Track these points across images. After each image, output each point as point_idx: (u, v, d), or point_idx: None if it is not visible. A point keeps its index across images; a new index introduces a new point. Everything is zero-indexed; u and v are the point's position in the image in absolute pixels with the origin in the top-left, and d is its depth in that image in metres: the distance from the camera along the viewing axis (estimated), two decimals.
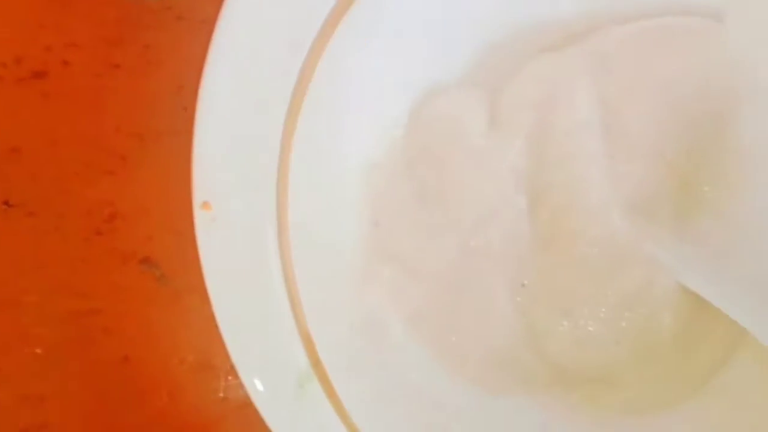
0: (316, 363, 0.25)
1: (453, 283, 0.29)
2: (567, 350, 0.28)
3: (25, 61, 0.31)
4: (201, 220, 0.25)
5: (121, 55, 0.32)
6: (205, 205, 0.25)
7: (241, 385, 0.25)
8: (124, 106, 0.32)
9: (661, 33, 0.29)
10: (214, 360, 0.28)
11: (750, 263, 0.28)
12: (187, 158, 0.25)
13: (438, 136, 0.30)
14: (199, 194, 0.25)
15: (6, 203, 0.31)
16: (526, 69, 0.30)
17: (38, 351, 0.31)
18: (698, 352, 0.29)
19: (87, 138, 0.32)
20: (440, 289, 0.29)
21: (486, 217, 0.29)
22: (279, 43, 0.26)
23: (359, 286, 0.29)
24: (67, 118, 0.32)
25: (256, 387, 0.25)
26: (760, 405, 0.28)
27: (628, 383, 0.29)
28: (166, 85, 0.32)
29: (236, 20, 0.25)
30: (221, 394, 0.31)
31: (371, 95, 0.29)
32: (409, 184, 0.30)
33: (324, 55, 0.27)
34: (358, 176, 0.29)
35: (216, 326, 0.25)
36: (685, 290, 0.27)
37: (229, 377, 0.30)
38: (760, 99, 0.28)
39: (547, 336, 0.29)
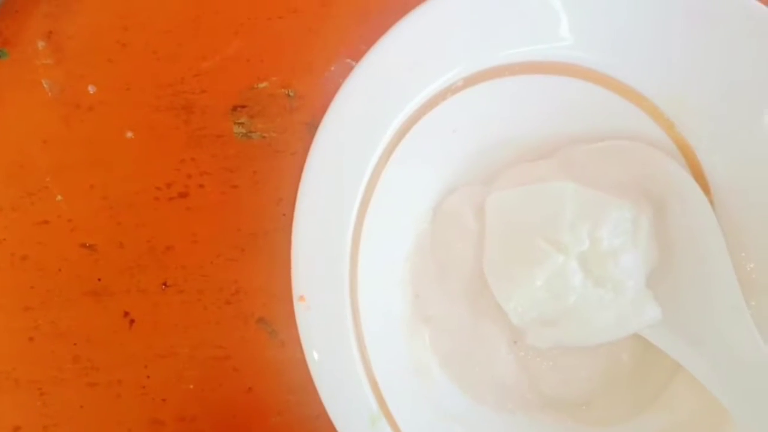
0: (382, 404, 0.29)
1: (470, 337, 0.33)
2: (555, 387, 0.33)
3: (174, 185, 0.36)
4: (299, 309, 0.28)
5: (237, 179, 0.36)
6: (302, 298, 0.28)
7: None
8: (242, 214, 0.36)
9: (608, 150, 0.33)
10: (311, 391, 0.29)
11: (680, 320, 0.31)
12: (285, 250, 0.29)
13: (447, 224, 0.33)
14: (297, 290, 0.28)
15: (164, 284, 0.36)
16: (507, 172, 0.33)
17: (191, 386, 0.35)
18: (647, 379, 0.33)
19: (217, 237, 0.36)
20: (462, 341, 0.33)
21: (484, 287, 0.32)
22: (348, 173, 0.30)
23: (408, 342, 0.32)
24: (204, 224, 0.36)
25: (340, 425, 0.28)
26: (691, 413, 0.32)
27: (599, 404, 0.33)
28: (270, 199, 0.36)
29: (319, 157, 0.29)
30: (317, 415, 0.34)
31: (408, 201, 0.33)
32: (434, 264, 0.33)
33: (379, 180, 0.31)
34: (402, 263, 0.33)
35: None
36: (637, 336, 0.32)
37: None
38: (685, 201, 0.32)
39: (540, 379, 0.33)
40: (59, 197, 0.36)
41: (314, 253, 0.29)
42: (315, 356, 0.29)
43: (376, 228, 0.31)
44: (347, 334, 0.29)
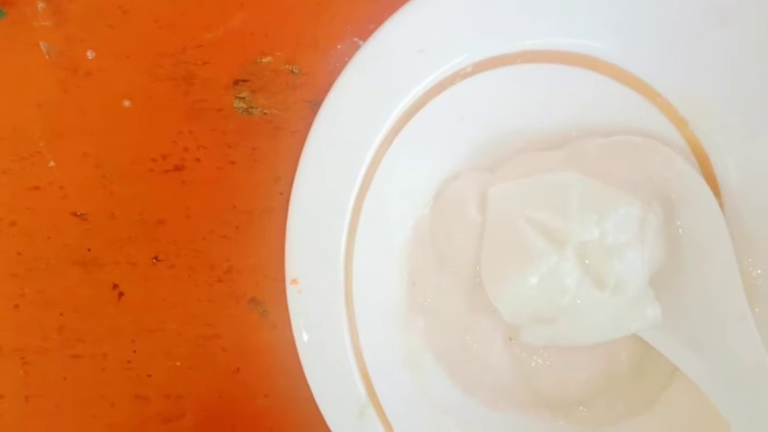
0: (371, 393, 0.29)
1: (466, 330, 0.32)
2: (551, 386, 0.32)
3: (169, 158, 0.35)
4: (291, 292, 0.29)
5: (235, 155, 0.35)
6: (294, 281, 0.29)
7: None
8: (238, 191, 0.35)
9: (619, 146, 0.32)
10: (300, 375, 0.29)
11: (681, 323, 0.31)
12: (281, 230, 0.29)
13: (449, 212, 0.33)
14: (290, 273, 0.29)
15: (155, 258, 0.35)
16: (512, 161, 0.33)
17: (177, 364, 0.35)
18: (645, 381, 0.33)
19: (211, 213, 0.35)
20: (457, 334, 0.32)
21: (481, 281, 0.31)
22: (349, 155, 0.30)
23: (402, 332, 0.32)
24: (198, 199, 0.35)
25: (328, 413, 0.28)
26: (690, 415, 0.32)
27: (596, 404, 0.33)
28: (268, 176, 0.35)
29: (319, 137, 0.29)
30: (305, 398, 0.31)
31: (409, 186, 0.33)
32: (432, 253, 0.33)
33: (380, 164, 0.31)
34: (400, 250, 0.33)
35: None
36: (637, 337, 0.31)
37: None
38: (695, 203, 0.31)
39: (536, 377, 0.32)
40: (52, 163, 0.35)
41: (310, 236, 0.29)
42: (305, 341, 0.28)
43: (374, 213, 0.31)
44: (339, 321, 0.29)
